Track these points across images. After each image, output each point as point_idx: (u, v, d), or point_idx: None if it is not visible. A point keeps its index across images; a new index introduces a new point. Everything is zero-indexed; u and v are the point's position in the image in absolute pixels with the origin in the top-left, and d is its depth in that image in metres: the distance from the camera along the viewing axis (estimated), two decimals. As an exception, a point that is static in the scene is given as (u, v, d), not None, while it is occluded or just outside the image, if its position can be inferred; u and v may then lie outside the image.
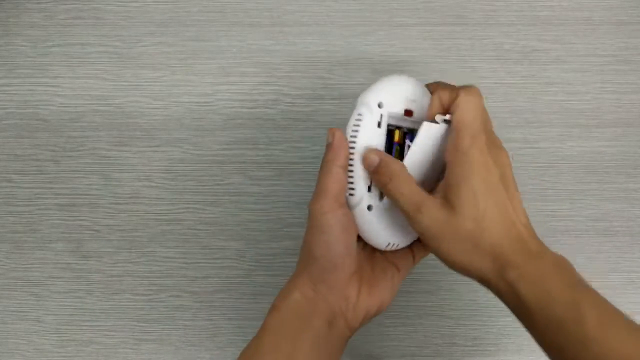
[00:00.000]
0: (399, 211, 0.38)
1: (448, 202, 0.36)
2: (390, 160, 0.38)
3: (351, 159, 0.39)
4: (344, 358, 0.53)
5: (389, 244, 0.41)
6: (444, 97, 0.39)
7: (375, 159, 0.38)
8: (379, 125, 0.39)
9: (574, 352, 0.33)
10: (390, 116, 0.40)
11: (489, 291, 0.37)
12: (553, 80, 0.54)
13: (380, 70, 0.54)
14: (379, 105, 0.39)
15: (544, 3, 0.55)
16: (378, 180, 0.39)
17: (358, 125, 0.39)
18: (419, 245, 0.42)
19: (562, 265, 0.37)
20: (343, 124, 0.54)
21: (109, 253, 0.53)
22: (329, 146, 0.39)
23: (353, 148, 0.39)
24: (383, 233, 0.40)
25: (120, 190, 0.53)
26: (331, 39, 0.54)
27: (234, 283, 0.53)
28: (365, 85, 0.54)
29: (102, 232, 0.53)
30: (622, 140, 0.54)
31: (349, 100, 0.54)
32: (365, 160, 0.39)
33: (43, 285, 0.53)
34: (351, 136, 0.39)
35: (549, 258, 0.37)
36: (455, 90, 0.38)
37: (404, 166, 0.38)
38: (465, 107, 0.37)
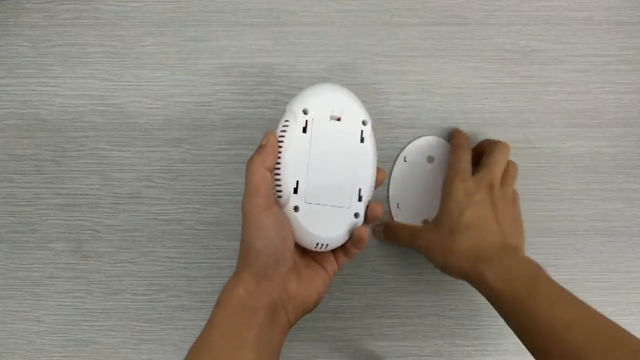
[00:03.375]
0: (327, 213, 0.42)
1: (435, 221, 0.48)
2: (367, 230, 0.44)
3: (278, 163, 0.42)
4: (344, 358, 0.54)
5: (317, 244, 0.43)
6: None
7: (364, 232, 0.43)
8: (304, 130, 0.42)
9: (527, 323, 0.41)
10: (315, 122, 0.42)
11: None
12: (553, 80, 0.54)
13: (380, 70, 0.54)
14: (304, 112, 0.42)
15: (544, 3, 0.55)
16: (382, 238, 0.53)
17: (284, 131, 0.42)
18: (340, 250, 0.45)
19: (529, 261, 0.44)
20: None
21: (109, 253, 0.53)
22: (261, 148, 0.41)
23: (280, 152, 0.42)
24: (312, 233, 0.42)
25: (120, 190, 0.53)
26: (331, 39, 0.54)
27: (234, 283, 0.53)
28: (365, 85, 0.55)
29: (102, 232, 0.53)
30: (622, 140, 0.54)
31: (349, 100, 0.54)
32: (359, 239, 0.43)
33: (43, 285, 0.53)
34: (279, 141, 0.42)
35: (520, 256, 0.45)
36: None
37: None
38: (454, 149, 0.52)
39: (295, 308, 0.42)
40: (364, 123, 0.43)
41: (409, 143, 0.54)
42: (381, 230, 0.53)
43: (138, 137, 0.54)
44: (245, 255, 0.41)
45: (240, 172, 0.53)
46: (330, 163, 0.42)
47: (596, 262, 0.54)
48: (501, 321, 0.52)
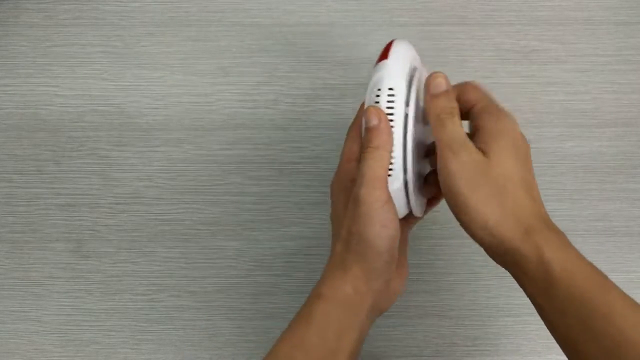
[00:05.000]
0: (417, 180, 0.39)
1: (484, 151, 0.36)
2: (453, 91, 0.38)
3: None
4: (344, 358, 0.53)
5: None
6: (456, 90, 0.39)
7: (443, 85, 0.37)
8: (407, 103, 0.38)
9: (598, 325, 0.33)
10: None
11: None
12: (553, 80, 0.54)
13: (380, 70, 0.54)
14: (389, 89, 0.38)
15: (544, 3, 0.55)
16: (437, 108, 0.37)
17: (392, 102, 0.37)
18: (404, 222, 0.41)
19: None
20: (343, 124, 0.54)
21: (109, 253, 0.53)
22: (375, 130, 0.37)
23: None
24: (420, 202, 0.40)
25: (120, 190, 0.53)
26: (331, 39, 0.54)
27: (233, 283, 0.53)
28: (365, 85, 0.54)
29: (102, 232, 0.53)
30: (622, 140, 0.54)
31: (349, 100, 0.54)
32: (431, 82, 0.37)
33: (43, 285, 0.53)
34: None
35: (561, 231, 0.37)
36: (459, 85, 0.39)
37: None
38: (480, 89, 0.39)
39: (390, 301, 0.40)
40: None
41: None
42: (443, 89, 0.38)
43: (138, 137, 0.54)
44: (360, 252, 0.37)
45: (240, 171, 0.54)
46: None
47: (596, 262, 0.54)
48: (501, 321, 0.52)
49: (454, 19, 0.55)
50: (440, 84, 0.37)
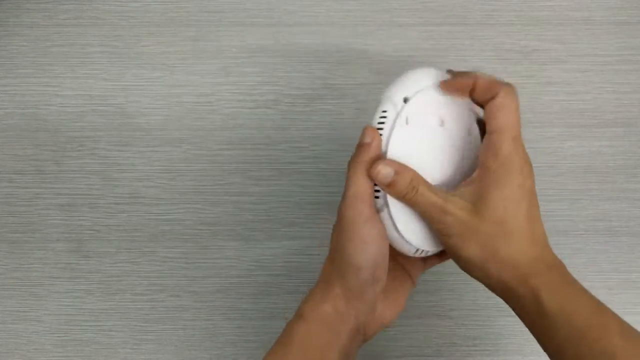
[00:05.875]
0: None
1: (477, 202, 0.35)
2: (404, 168, 0.36)
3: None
4: (344, 358, 0.53)
5: (417, 249, 0.38)
6: (482, 85, 0.36)
7: (389, 171, 0.36)
8: (407, 122, 0.37)
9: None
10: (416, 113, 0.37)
11: (500, 299, 0.37)
12: (553, 80, 0.54)
13: (380, 70, 0.54)
14: (404, 101, 0.37)
15: (544, 3, 0.55)
16: (396, 193, 0.36)
17: (383, 122, 0.37)
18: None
19: (575, 279, 0.36)
20: (343, 124, 0.55)
21: (109, 253, 0.53)
22: (365, 146, 0.36)
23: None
24: (413, 237, 0.38)
25: (120, 190, 0.53)
26: (331, 39, 0.54)
27: (234, 283, 0.53)
28: (366, 85, 0.55)
29: (102, 232, 0.53)
30: (622, 140, 0.54)
31: (349, 100, 0.54)
32: (376, 174, 0.36)
33: (43, 285, 0.53)
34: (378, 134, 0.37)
35: (564, 269, 0.36)
36: (494, 85, 0.36)
37: (416, 172, 0.36)
38: (510, 107, 0.35)
39: (376, 327, 0.39)
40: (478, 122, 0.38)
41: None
42: (391, 177, 0.36)
43: (138, 137, 0.54)
44: (341, 269, 0.37)
45: (240, 171, 0.54)
46: (433, 159, 0.37)
47: (596, 262, 0.54)
48: (501, 321, 0.52)
49: (454, 19, 0.55)
50: (387, 174, 0.36)
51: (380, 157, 0.36)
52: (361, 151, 0.36)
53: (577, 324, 0.33)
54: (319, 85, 0.54)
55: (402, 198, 0.36)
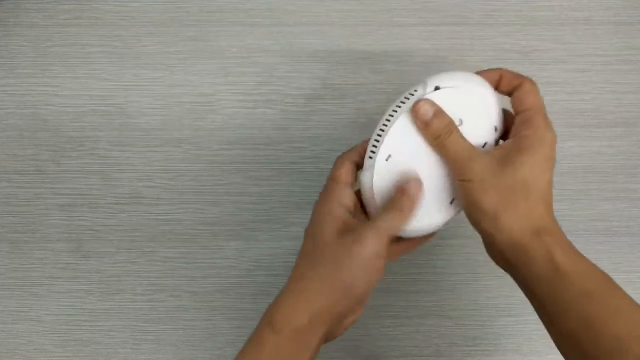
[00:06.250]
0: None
1: (505, 161, 0.37)
2: (443, 113, 0.38)
3: (385, 125, 0.39)
4: (345, 358, 0.54)
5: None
6: (509, 76, 0.40)
7: (429, 109, 0.38)
8: None
9: (605, 323, 0.34)
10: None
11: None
12: (553, 80, 0.54)
13: (380, 70, 0.54)
14: (436, 88, 0.39)
15: (544, 3, 0.55)
16: (433, 132, 0.38)
17: (408, 99, 0.39)
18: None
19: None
20: (343, 124, 0.55)
21: (109, 253, 0.53)
22: (358, 147, 0.41)
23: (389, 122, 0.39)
24: (382, 203, 0.40)
25: (120, 190, 0.53)
26: (331, 39, 0.54)
27: (233, 283, 0.53)
28: (365, 85, 0.55)
29: (102, 232, 0.53)
30: (622, 140, 0.54)
31: (349, 100, 0.54)
32: (417, 111, 0.38)
33: (43, 285, 0.53)
34: (396, 107, 0.39)
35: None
36: (519, 76, 0.40)
37: (452, 119, 0.39)
38: (537, 92, 0.39)
39: (340, 330, 0.40)
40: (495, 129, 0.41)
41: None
42: (430, 115, 0.38)
43: (138, 137, 0.54)
44: (335, 291, 0.37)
45: (240, 171, 0.54)
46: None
47: (596, 262, 0.54)
48: (501, 321, 0.52)
49: (454, 19, 0.55)
50: (426, 111, 0.38)
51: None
52: (353, 149, 0.40)
53: (588, 285, 0.35)
54: (318, 85, 0.54)
55: (434, 140, 0.38)
